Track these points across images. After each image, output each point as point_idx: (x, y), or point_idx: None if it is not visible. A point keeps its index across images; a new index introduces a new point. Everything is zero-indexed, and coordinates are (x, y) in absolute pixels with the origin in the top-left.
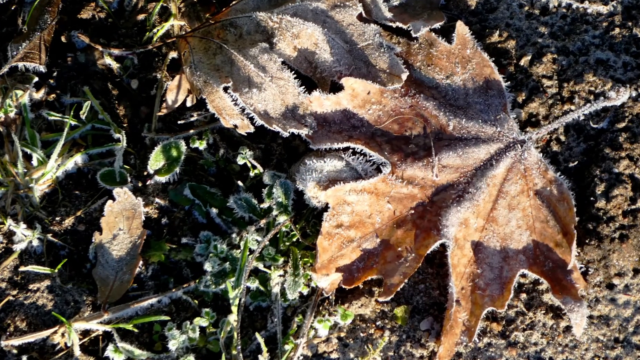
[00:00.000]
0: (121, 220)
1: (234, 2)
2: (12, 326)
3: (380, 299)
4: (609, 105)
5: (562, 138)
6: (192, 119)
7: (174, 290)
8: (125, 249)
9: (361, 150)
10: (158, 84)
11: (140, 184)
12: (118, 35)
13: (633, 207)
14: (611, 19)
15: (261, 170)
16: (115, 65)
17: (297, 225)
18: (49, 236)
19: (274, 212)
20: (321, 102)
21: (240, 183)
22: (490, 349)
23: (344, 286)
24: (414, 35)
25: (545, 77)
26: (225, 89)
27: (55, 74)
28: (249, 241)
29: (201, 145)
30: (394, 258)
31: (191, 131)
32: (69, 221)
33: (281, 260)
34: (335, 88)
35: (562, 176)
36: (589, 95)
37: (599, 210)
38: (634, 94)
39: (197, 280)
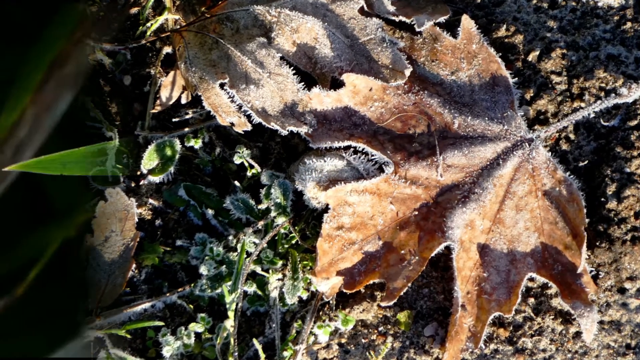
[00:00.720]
0: (113, 222)
1: None
2: None
3: (383, 304)
4: (621, 103)
5: (572, 136)
6: (187, 116)
7: (168, 294)
8: (118, 251)
9: (363, 149)
10: (152, 80)
11: (133, 184)
12: (110, 29)
13: None
14: (622, 13)
15: (259, 169)
16: (107, 60)
17: (296, 227)
18: None
19: (272, 214)
20: (321, 99)
21: (237, 183)
22: (497, 356)
23: (344, 290)
24: (417, 30)
25: (554, 73)
26: (222, 86)
27: None
28: (246, 243)
29: (196, 143)
30: (396, 261)
31: (186, 129)
32: None
33: (280, 263)
34: (336, 84)
35: (571, 176)
36: (599, 92)
37: (610, 212)
38: None
39: (192, 284)
